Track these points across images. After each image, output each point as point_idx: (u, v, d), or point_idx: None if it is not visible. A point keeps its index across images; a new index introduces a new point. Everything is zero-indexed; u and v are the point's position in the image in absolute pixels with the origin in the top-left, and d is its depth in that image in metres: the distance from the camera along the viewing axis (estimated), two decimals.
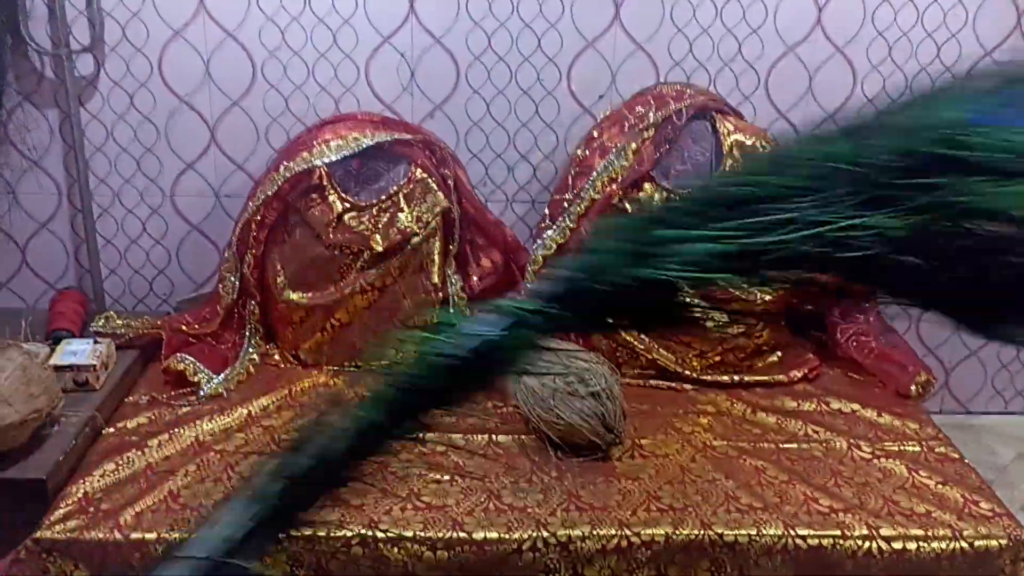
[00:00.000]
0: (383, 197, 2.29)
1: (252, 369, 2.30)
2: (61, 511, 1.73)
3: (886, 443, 2.03)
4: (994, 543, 1.72)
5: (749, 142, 2.28)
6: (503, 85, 2.44)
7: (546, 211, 2.38)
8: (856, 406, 2.18)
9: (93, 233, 2.47)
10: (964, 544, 1.72)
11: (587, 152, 2.32)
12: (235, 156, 2.46)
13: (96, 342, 2.17)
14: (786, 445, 2.02)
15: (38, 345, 2.17)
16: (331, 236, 2.26)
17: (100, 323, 2.32)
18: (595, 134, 2.35)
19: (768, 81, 2.47)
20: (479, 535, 1.70)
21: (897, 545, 1.71)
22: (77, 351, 2.12)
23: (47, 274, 2.55)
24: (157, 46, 2.35)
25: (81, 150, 2.39)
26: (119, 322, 2.34)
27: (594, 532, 1.71)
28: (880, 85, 2.46)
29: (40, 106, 2.39)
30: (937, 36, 2.42)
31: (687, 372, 2.30)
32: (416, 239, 2.29)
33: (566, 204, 2.29)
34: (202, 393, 2.15)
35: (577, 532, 1.71)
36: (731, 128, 2.30)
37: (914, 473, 1.91)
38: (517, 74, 2.43)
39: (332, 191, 2.26)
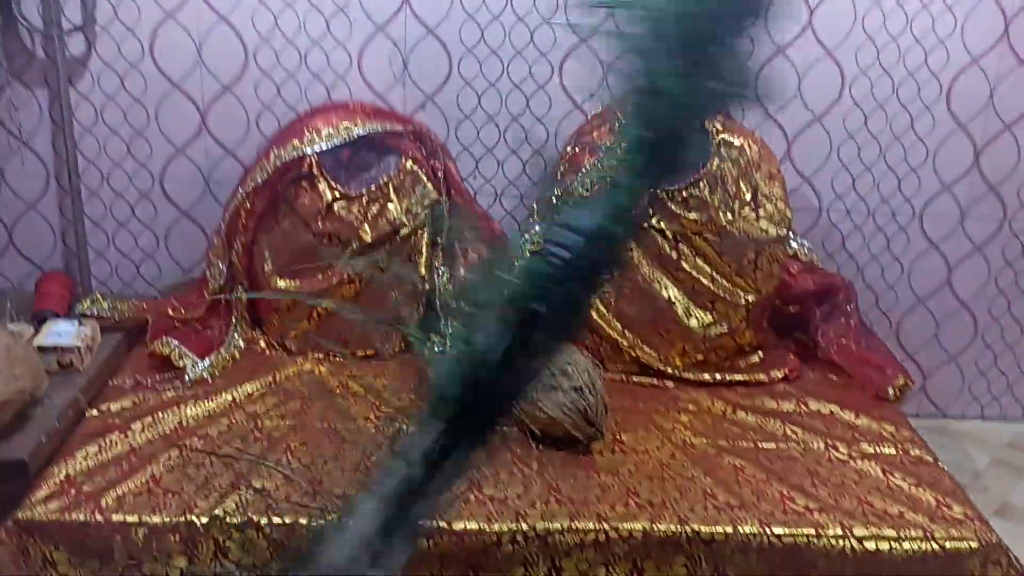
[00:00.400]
0: (373, 187, 2.30)
1: (238, 355, 2.31)
2: (42, 492, 1.74)
3: (863, 445, 2.06)
4: (965, 546, 1.75)
5: (737, 142, 2.30)
6: (495, 78, 2.45)
7: (534, 206, 2.39)
8: (834, 407, 2.21)
9: (81, 215, 2.47)
10: (935, 546, 1.75)
11: (576, 149, 2.33)
12: (226, 142, 2.46)
13: (81, 324, 2.17)
14: (765, 444, 2.04)
15: (22, 325, 2.17)
16: (320, 225, 2.27)
17: (86, 305, 2.32)
18: (585, 131, 2.36)
19: (757, 82, 2.48)
20: (459, 525, 1.72)
21: (870, 545, 1.74)
22: (62, 332, 2.12)
23: (33, 255, 2.54)
24: (149, 28, 2.35)
25: (70, 131, 2.39)
26: (105, 304, 2.34)
27: (573, 525, 1.73)
28: (868, 89, 2.48)
29: (30, 85, 2.38)
30: (925, 42, 2.44)
31: (669, 370, 2.32)
32: (405, 230, 2.30)
33: (554, 200, 2.30)
34: (187, 378, 2.16)
35: (556, 525, 1.73)
36: (720, 128, 2.31)
37: (889, 475, 1.94)
38: (509, 68, 2.44)
39: (322, 180, 2.27)
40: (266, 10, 2.35)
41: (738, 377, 2.33)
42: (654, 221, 2.28)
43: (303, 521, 1.71)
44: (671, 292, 2.32)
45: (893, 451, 2.04)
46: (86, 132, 2.43)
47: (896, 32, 2.44)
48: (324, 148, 2.25)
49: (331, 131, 2.27)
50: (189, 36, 2.36)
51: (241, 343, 2.34)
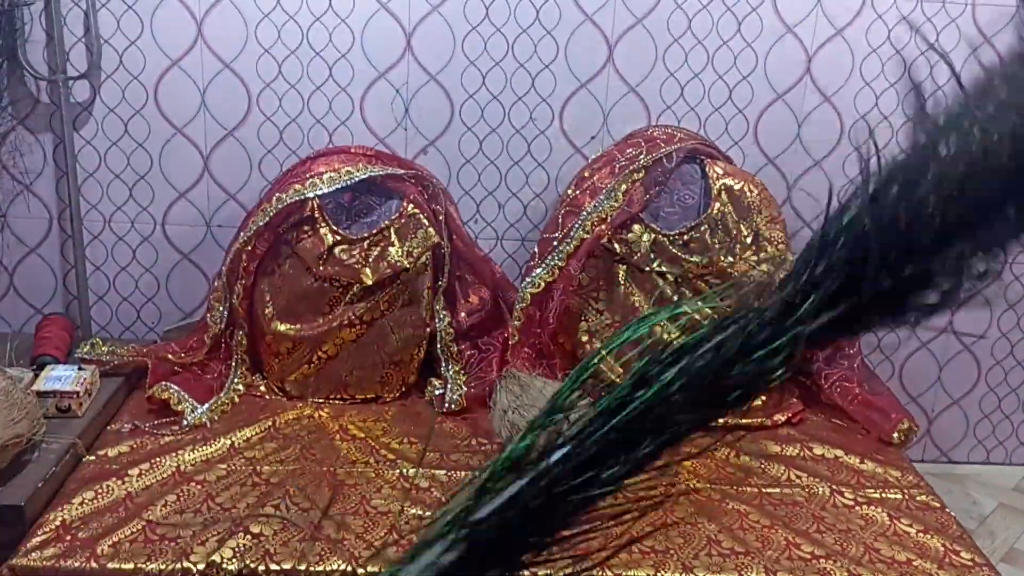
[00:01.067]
0: (374, 231, 2.30)
1: (237, 399, 2.29)
2: (38, 539, 1.72)
3: (868, 490, 2.03)
4: None
5: (737, 186, 2.31)
6: (496, 123, 2.46)
7: (535, 249, 2.39)
8: (839, 452, 2.19)
9: (82, 259, 2.47)
10: None
11: (577, 192, 2.34)
12: (228, 186, 2.47)
13: (80, 368, 2.16)
14: (769, 490, 2.02)
15: (22, 370, 2.16)
16: (321, 268, 2.27)
17: (85, 349, 2.31)
18: (586, 174, 2.37)
19: (757, 127, 2.51)
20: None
21: None
22: (61, 377, 2.11)
23: (34, 299, 2.54)
24: (154, 74, 2.37)
25: (74, 175, 2.40)
26: (104, 349, 2.33)
27: (574, 573, 1.70)
28: (866, 135, 2.49)
29: (34, 130, 2.40)
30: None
31: None
32: (406, 274, 2.30)
33: (555, 243, 2.31)
34: (185, 422, 2.14)
35: (558, 574, 1.70)
36: (720, 172, 2.32)
37: (896, 521, 1.92)
38: (510, 113, 2.46)
39: (323, 223, 2.27)
40: (270, 57, 2.37)
41: (741, 421, 2.31)
42: (655, 264, 2.28)
43: (300, 568, 1.68)
44: (672, 336, 2.30)
45: (899, 496, 2.01)
46: (89, 176, 2.44)
47: (893, 78, 2.46)
48: (326, 192, 2.26)
49: (333, 175, 2.28)
50: (193, 82, 2.38)
51: (241, 387, 2.33)
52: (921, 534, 1.87)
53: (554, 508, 0.70)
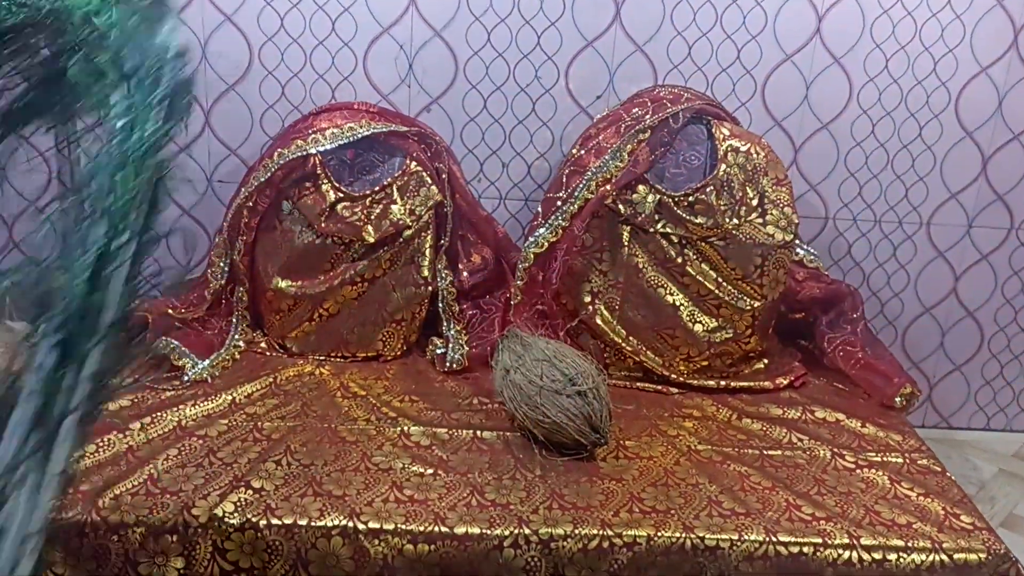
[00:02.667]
0: (376, 188, 2.28)
1: (238, 355, 2.29)
2: None
3: (869, 453, 2.03)
4: (974, 557, 1.73)
5: (744, 148, 2.28)
6: (501, 81, 2.43)
7: (539, 209, 2.37)
8: (841, 415, 2.18)
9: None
10: (944, 557, 1.72)
11: (582, 152, 2.32)
12: (229, 141, 2.44)
13: None
14: (770, 452, 2.02)
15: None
16: (323, 225, 2.25)
17: None
18: (591, 134, 2.34)
19: (765, 88, 2.47)
20: (460, 530, 1.69)
21: (877, 555, 1.72)
22: None
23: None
24: None
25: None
26: None
27: (576, 531, 1.71)
28: (876, 98, 2.47)
29: None
30: (934, 51, 2.43)
31: (674, 376, 2.30)
32: (408, 232, 2.28)
33: (559, 203, 2.28)
34: (186, 378, 2.14)
35: (559, 531, 1.71)
36: (727, 133, 2.30)
37: (896, 484, 1.92)
38: (515, 71, 2.43)
39: (325, 180, 2.25)
40: (272, 10, 2.34)
41: (743, 384, 2.31)
42: (660, 226, 2.27)
43: (302, 523, 1.68)
44: (676, 297, 2.30)
45: (900, 460, 2.01)
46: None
47: (905, 40, 2.43)
48: (328, 148, 2.24)
49: (335, 131, 2.25)
50: (193, 34, 2.34)
51: (242, 344, 2.32)
52: (922, 497, 1.88)
53: None
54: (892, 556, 1.72)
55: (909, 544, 1.73)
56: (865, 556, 1.71)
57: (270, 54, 2.37)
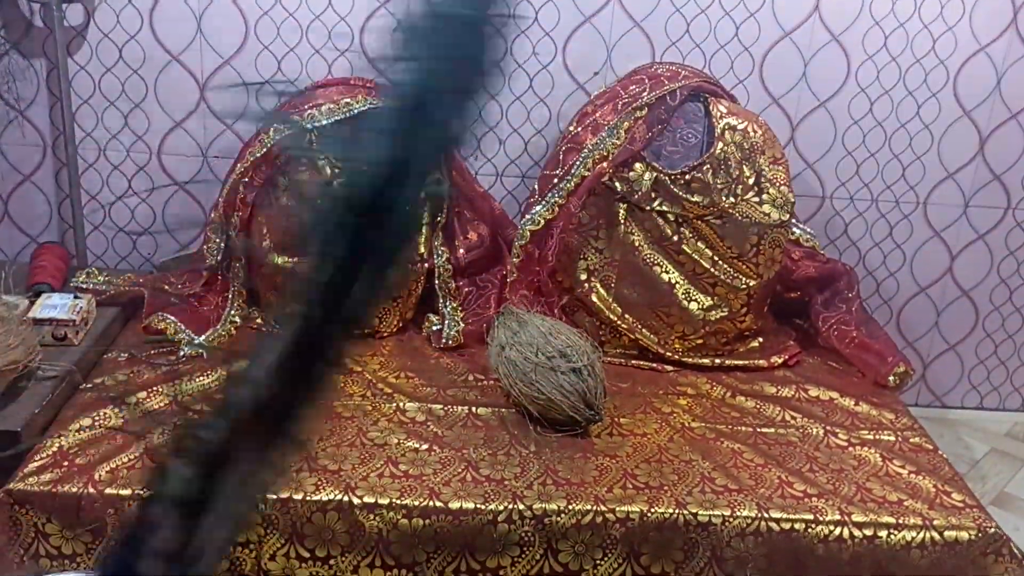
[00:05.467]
0: None
1: (234, 331, 2.29)
2: (35, 464, 1.72)
3: (862, 431, 2.05)
4: (964, 534, 1.74)
5: (741, 126, 2.28)
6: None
7: (535, 186, 2.37)
8: (834, 394, 2.19)
9: (77, 188, 2.44)
10: (934, 534, 1.74)
11: (579, 129, 2.31)
12: (225, 116, 2.43)
13: (76, 297, 2.15)
14: (763, 429, 2.03)
15: (18, 298, 2.15)
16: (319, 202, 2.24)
17: (81, 279, 2.30)
18: (588, 111, 2.34)
19: (763, 66, 2.46)
20: (455, 505, 1.70)
21: (868, 531, 1.73)
22: (57, 305, 2.10)
23: (29, 227, 2.52)
24: None
25: (68, 102, 2.36)
26: (101, 278, 2.32)
27: (569, 507, 1.72)
28: (874, 75, 2.46)
29: (28, 55, 2.36)
30: (933, 28, 2.42)
31: (668, 353, 2.31)
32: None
33: (556, 180, 2.28)
34: (182, 353, 2.14)
35: (552, 506, 1.72)
36: (724, 111, 2.29)
37: (888, 462, 1.93)
38: (513, 46, 2.41)
39: (322, 156, 2.24)
40: None
41: (737, 362, 2.32)
42: (656, 204, 2.26)
43: (297, 497, 1.69)
44: (671, 275, 2.30)
45: (892, 438, 2.03)
46: (83, 103, 2.40)
47: (904, 18, 2.42)
48: (324, 124, 2.23)
49: (331, 107, 2.24)
50: (189, 7, 2.33)
51: (238, 319, 2.32)
52: (913, 475, 1.89)
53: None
54: (883, 533, 1.73)
55: (900, 521, 1.74)
56: (856, 532, 1.73)
57: (266, 28, 2.36)
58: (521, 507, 1.71)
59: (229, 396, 0.77)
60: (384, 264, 0.73)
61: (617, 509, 1.72)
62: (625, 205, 2.28)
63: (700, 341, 2.33)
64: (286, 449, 0.77)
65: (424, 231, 2.32)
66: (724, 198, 2.26)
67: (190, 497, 0.73)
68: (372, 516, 1.69)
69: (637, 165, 2.26)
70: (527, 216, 2.31)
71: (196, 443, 0.76)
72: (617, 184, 2.26)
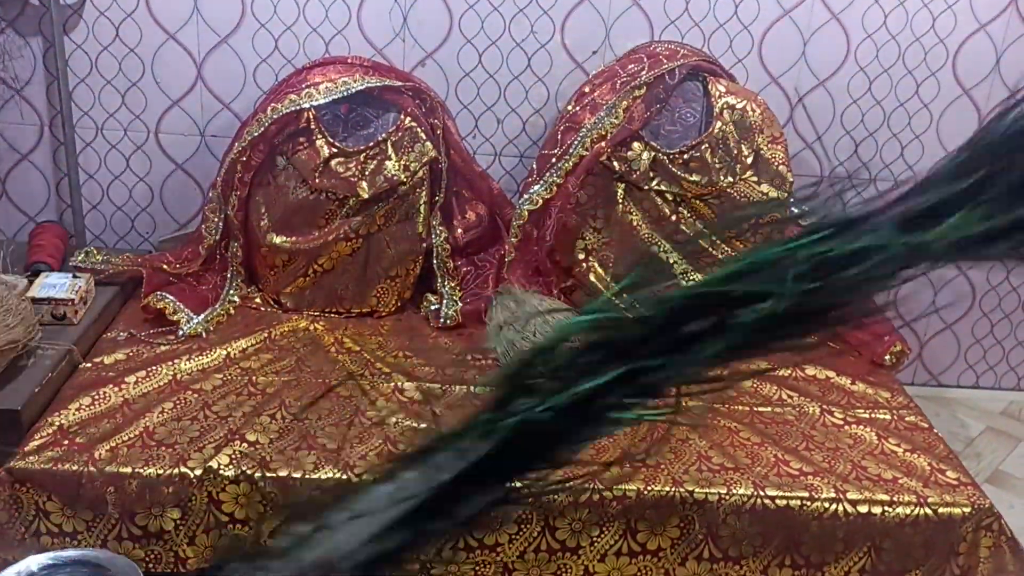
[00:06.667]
0: (371, 144, 2.27)
1: (232, 311, 2.29)
2: (35, 442, 1.73)
3: (858, 410, 2.06)
4: (958, 511, 1.76)
5: (740, 105, 2.27)
6: (496, 36, 2.41)
7: (533, 166, 2.37)
8: (831, 373, 2.20)
9: (75, 167, 2.44)
10: (928, 511, 1.75)
11: (577, 108, 2.31)
12: (222, 95, 2.43)
13: (75, 276, 2.15)
14: (760, 408, 2.04)
15: (16, 277, 2.15)
16: (317, 181, 2.25)
17: (80, 258, 2.30)
18: (586, 90, 2.33)
19: (762, 44, 2.46)
20: None
21: (863, 509, 1.75)
22: (56, 284, 2.10)
23: (27, 206, 2.52)
24: None
25: (64, 81, 2.35)
26: (99, 258, 2.32)
27: (566, 484, 1.73)
28: (873, 54, 2.45)
29: (24, 33, 2.35)
30: (933, 7, 2.41)
31: None
32: (403, 188, 2.28)
33: (554, 160, 2.28)
34: (181, 332, 2.15)
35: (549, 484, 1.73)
36: (723, 90, 2.29)
37: (883, 440, 1.94)
38: (511, 25, 2.41)
39: (319, 135, 2.24)
40: None
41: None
42: (654, 183, 2.26)
43: (296, 475, 1.71)
44: (670, 255, 2.31)
45: (888, 417, 2.04)
46: (80, 82, 2.39)
47: None
48: (322, 103, 2.22)
49: (329, 85, 2.24)
50: None
51: (236, 299, 2.33)
52: (908, 453, 1.90)
53: (589, 416, 0.68)
54: (877, 510, 1.75)
55: (894, 498, 1.76)
56: (851, 510, 1.74)
57: (263, 7, 2.35)
58: (518, 484, 1.72)
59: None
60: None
61: (614, 487, 1.73)
62: (623, 185, 2.28)
63: None
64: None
65: (422, 210, 2.32)
66: (722, 178, 2.26)
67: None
68: None
69: (635, 144, 2.26)
70: (525, 196, 2.31)
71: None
72: (615, 164, 2.26)
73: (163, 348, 2.10)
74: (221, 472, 1.70)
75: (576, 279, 2.34)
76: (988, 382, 2.86)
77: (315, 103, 2.22)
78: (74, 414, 1.82)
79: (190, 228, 2.50)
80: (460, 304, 2.32)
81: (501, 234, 2.43)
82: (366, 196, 2.25)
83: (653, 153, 2.25)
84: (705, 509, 1.74)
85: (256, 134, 2.22)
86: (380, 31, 2.39)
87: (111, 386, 1.92)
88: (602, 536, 1.74)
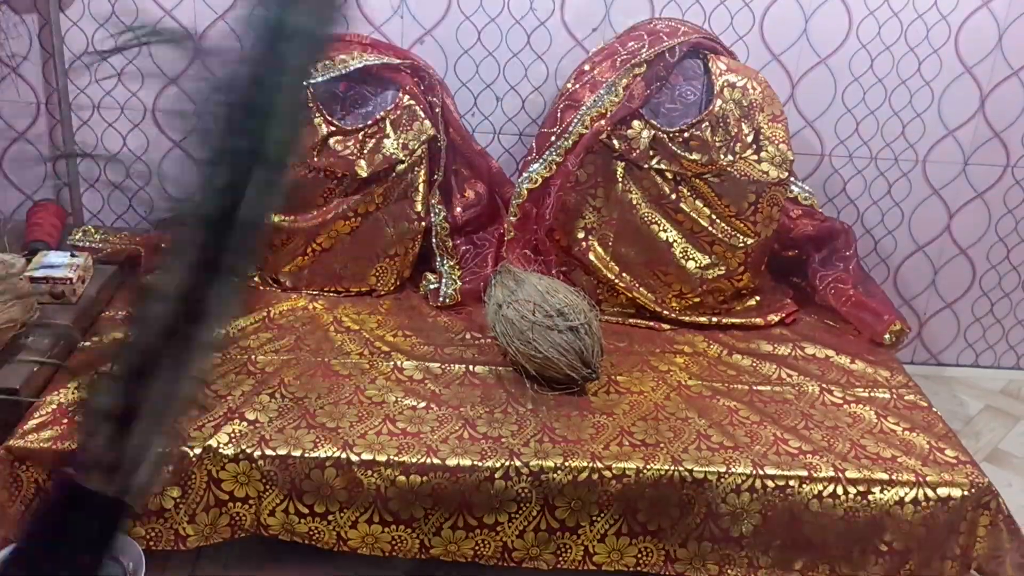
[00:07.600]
0: (369, 122, 2.26)
1: None
2: (35, 421, 1.73)
3: (857, 389, 2.06)
4: (956, 490, 1.76)
5: (740, 83, 2.26)
6: (495, 13, 2.39)
7: (533, 144, 2.35)
8: (830, 352, 2.20)
9: (72, 145, 2.43)
10: (927, 489, 1.75)
11: (577, 86, 2.29)
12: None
13: (73, 255, 2.15)
14: (759, 387, 2.04)
15: (14, 256, 2.14)
16: (315, 159, 2.24)
17: (78, 237, 2.30)
18: (586, 68, 2.32)
19: (763, 21, 2.44)
20: (452, 462, 1.72)
21: (861, 488, 1.75)
22: (54, 263, 2.10)
23: (24, 185, 2.51)
24: None
25: (60, 58, 2.33)
26: (97, 236, 2.32)
27: (566, 464, 1.73)
28: (875, 32, 2.44)
29: (19, 10, 2.32)
30: None
31: (666, 312, 2.31)
32: (401, 166, 2.27)
33: (553, 138, 2.27)
34: None
35: (549, 463, 1.73)
36: (723, 68, 2.27)
37: (883, 419, 1.94)
38: (510, 2, 2.39)
39: (317, 113, 2.23)
40: None
41: (734, 320, 2.32)
42: (654, 162, 2.25)
43: (296, 454, 1.71)
44: (669, 234, 2.30)
45: (887, 396, 2.04)
46: (76, 60, 2.37)
47: None
48: (319, 80, 2.21)
49: (327, 63, 2.22)
50: None
51: None
52: (907, 432, 1.90)
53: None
54: (876, 489, 1.75)
55: (893, 477, 1.76)
56: (850, 489, 1.75)
57: None
58: (518, 464, 1.73)
59: (143, 309, 0.85)
60: (275, 165, 0.84)
61: (614, 466, 1.74)
62: (623, 163, 2.27)
63: (697, 299, 2.33)
64: (204, 355, 0.85)
65: (421, 188, 2.31)
66: (722, 156, 2.24)
67: (117, 408, 0.78)
68: (370, 473, 1.71)
69: (635, 123, 2.25)
70: (524, 174, 2.30)
71: (117, 358, 0.84)
72: (615, 142, 2.25)
73: None
74: (221, 451, 1.70)
75: (575, 258, 2.33)
76: (987, 361, 2.87)
77: (312, 81, 2.20)
78: (73, 392, 1.82)
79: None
80: (459, 283, 2.31)
81: (500, 213, 2.42)
82: (364, 175, 2.24)
83: (653, 131, 2.24)
84: (704, 488, 1.74)
85: None
86: (378, 8, 2.37)
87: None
88: (601, 516, 1.75)
